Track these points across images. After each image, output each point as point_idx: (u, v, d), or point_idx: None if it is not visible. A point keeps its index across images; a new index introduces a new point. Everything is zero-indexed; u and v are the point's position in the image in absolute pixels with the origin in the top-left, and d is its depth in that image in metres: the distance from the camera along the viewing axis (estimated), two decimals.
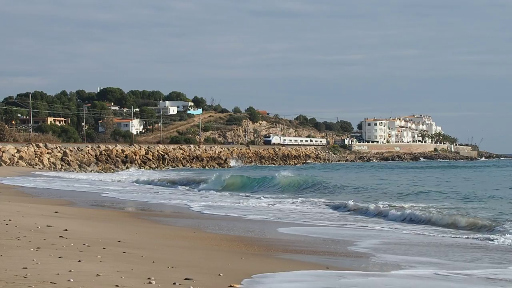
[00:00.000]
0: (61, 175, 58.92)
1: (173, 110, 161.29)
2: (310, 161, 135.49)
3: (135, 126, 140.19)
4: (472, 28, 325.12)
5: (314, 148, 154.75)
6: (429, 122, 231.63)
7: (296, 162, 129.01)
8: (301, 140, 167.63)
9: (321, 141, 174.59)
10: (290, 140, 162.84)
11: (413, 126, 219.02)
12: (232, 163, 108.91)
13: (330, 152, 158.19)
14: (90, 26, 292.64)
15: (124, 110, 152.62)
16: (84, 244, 12.42)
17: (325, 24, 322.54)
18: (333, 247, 15.38)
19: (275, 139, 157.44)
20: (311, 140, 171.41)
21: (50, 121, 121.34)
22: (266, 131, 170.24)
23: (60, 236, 13.56)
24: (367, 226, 20.97)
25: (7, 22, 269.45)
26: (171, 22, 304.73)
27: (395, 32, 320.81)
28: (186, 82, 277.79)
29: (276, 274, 10.62)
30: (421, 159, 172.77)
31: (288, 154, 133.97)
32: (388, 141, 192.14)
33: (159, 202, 30.54)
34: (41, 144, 78.77)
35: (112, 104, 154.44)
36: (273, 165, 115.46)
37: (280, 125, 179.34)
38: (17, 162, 70.31)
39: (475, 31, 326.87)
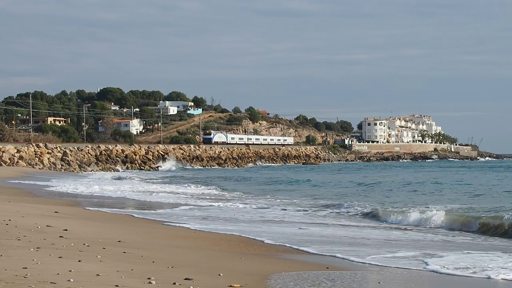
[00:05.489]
0: None
1: (173, 110, 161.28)
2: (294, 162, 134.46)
3: (135, 126, 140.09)
4: (476, 28, 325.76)
5: (315, 148, 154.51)
6: (429, 122, 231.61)
7: (296, 162, 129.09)
8: (257, 139, 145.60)
9: (285, 140, 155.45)
10: (241, 139, 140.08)
11: (413, 126, 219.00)
12: (166, 166, 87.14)
13: (330, 152, 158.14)
14: (95, 26, 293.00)
15: (124, 110, 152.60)
16: (84, 244, 12.42)
17: (330, 24, 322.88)
18: None
19: (218, 137, 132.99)
20: (271, 139, 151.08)
21: (50, 121, 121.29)
22: (266, 131, 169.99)
23: (60, 236, 13.56)
24: None
25: (12, 22, 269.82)
26: (176, 22, 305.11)
27: (400, 31, 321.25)
28: (186, 82, 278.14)
29: (277, 274, 10.61)
30: (397, 159, 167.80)
31: (288, 154, 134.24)
32: (388, 141, 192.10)
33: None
34: (41, 144, 78.67)
35: (112, 104, 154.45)
36: (226, 167, 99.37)
37: (280, 125, 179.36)
38: (17, 162, 70.22)
39: (479, 31, 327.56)
